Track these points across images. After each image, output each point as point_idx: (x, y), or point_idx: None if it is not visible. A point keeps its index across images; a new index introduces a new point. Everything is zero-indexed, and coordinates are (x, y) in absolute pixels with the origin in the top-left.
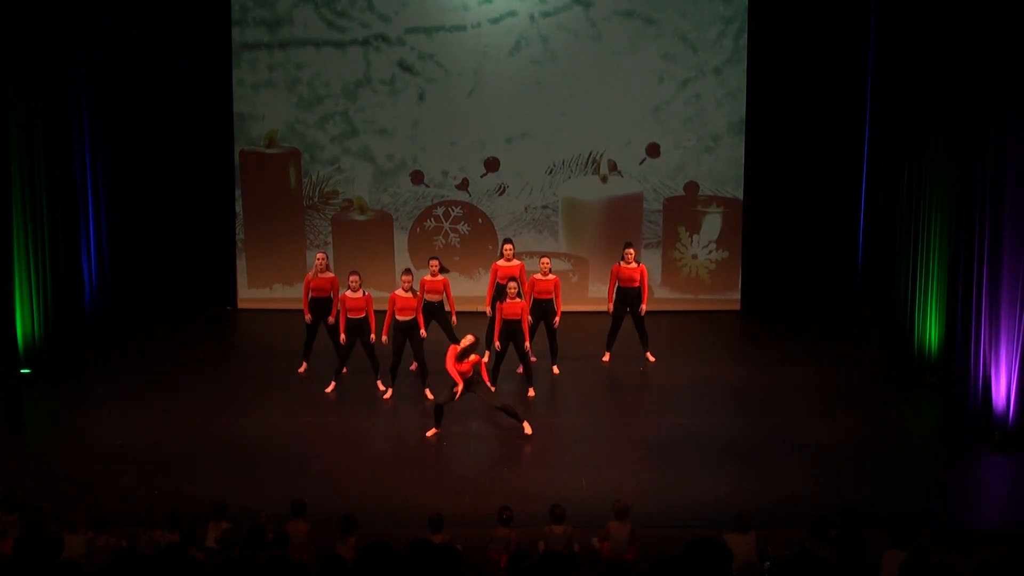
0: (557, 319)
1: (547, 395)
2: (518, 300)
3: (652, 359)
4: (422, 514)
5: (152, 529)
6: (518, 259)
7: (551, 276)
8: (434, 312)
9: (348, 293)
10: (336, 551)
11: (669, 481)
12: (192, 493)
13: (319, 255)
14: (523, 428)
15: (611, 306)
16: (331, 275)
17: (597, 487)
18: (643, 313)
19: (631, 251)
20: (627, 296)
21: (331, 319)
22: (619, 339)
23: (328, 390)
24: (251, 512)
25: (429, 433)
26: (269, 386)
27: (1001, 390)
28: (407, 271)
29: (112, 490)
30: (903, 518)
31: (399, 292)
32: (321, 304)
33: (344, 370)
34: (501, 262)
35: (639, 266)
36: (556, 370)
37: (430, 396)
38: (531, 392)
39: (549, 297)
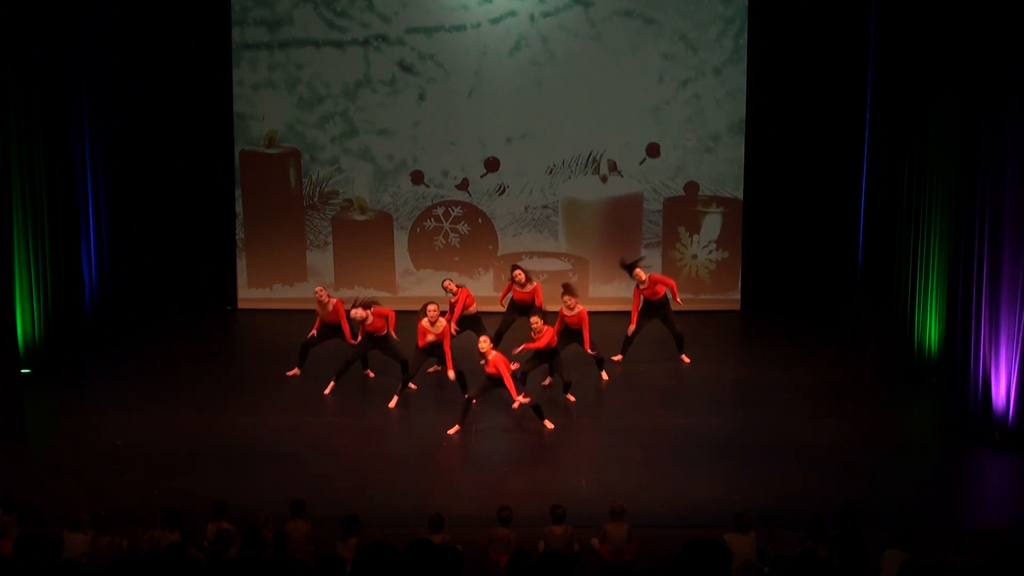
0: (587, 347)
1: (547, 395)
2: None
3: (687, 360)
4: (422, 514)
5: (152, 529)
6: (532, 282)
7: (577, 309)
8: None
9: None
10: (338, 551)
11: (669, 481)
12: (192, 493)
13: (318, 290)
14: (544, 425)
15: (632, 328)
16: (335, 301)
17: (597, 487)
18: (679, 304)
19: (639, 271)
20: (651, 308)
21: (352, 341)
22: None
23: (326, 391)
24: (251, 512)
25: (451, 430)
26: (269, 386)
27: (1001, 390)
28: (433, 304)
29: (112, 490)
30: (903, 518)
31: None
32: (331, 329)
33: (370, 373)
34: (515, 287)
35: (652, 277)
36: (605, 376)
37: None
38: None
39: (577, 328)
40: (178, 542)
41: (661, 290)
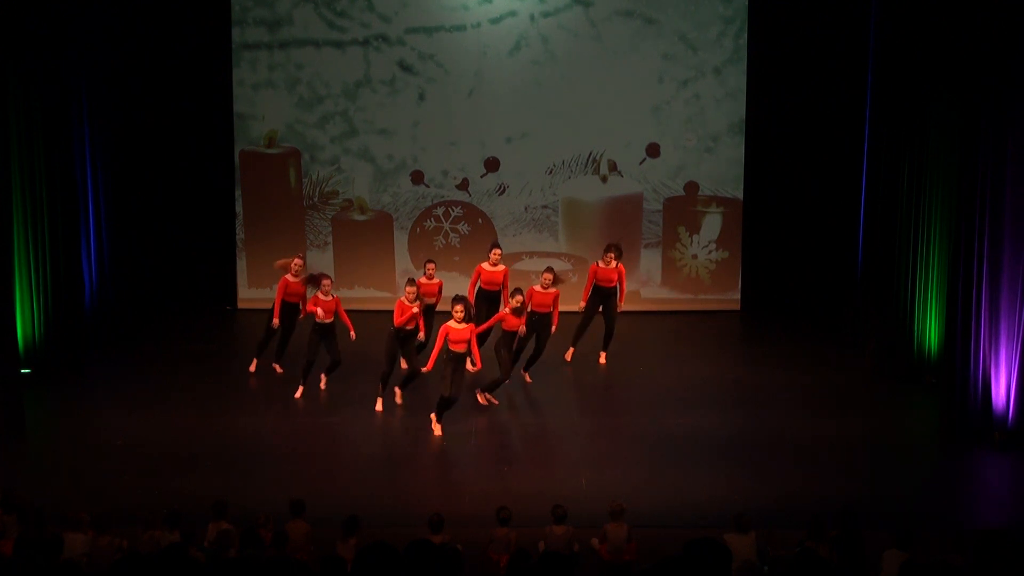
0: (553, 328)
1: (546, 395)
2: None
3: (603, 361)
4: (422, 514)
5: (152, 529)
6: (504, 264)
7: (551, 290)
8: (430, 314)
9: (320, 295)
10: (338, 551)
11: (669, 481)
12: (192, 493)
13: (296, 260)
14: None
15: (583, 304)
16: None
17: (597, 487)
18: (619, 310)
19: (611, 254)
20: (603, 294)
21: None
22: (613, 340)
23: (298, 394)
24: (251, 512)
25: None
26: (269, 386)
27: (1001, 390)
28: (411, 281)
29: (112, 490)
30: (903, 518)
31: (405, 301)
32: (291, 308)
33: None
34: (486, 265)
35: (617, 266)
36: (528, 378)
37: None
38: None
39: (547, 311)
40: (178, 542)
41: (615, 278)
